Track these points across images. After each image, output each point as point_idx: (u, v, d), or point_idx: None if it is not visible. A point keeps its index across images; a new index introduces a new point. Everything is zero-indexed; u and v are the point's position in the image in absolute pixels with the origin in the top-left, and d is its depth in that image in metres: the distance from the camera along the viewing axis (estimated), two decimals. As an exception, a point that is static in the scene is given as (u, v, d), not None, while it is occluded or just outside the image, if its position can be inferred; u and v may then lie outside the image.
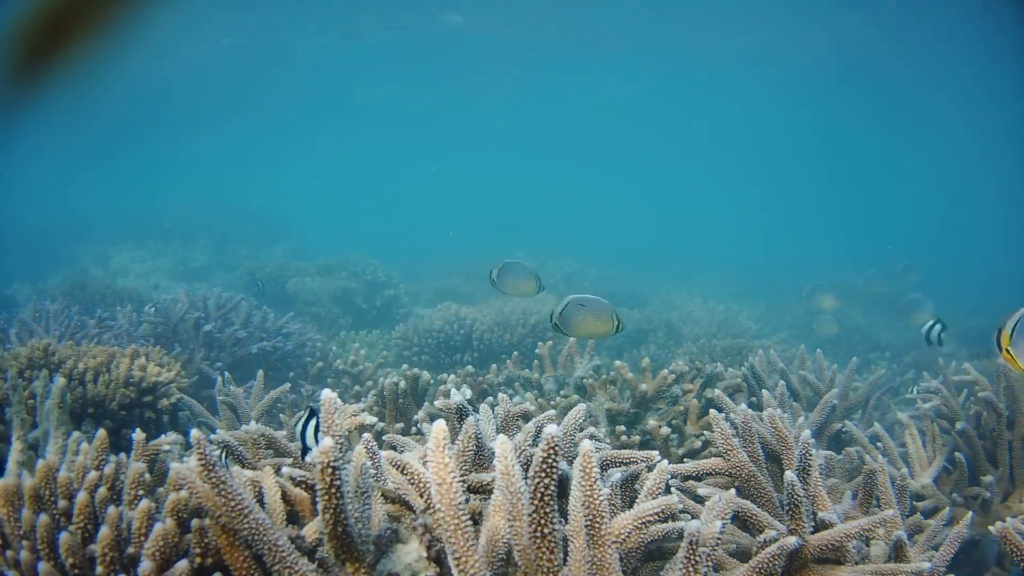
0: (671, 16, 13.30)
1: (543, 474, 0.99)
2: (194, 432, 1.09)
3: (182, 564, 1.16)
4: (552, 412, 1.66)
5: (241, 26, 13.58)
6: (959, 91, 16.46)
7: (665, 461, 1.41)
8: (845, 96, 18.98)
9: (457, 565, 1.04)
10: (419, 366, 4.48)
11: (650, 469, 1.50)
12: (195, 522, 1.18)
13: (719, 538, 1.08)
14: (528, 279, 3.34)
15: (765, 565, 1.26)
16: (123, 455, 1.48)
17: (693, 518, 1.60)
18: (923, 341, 3.66)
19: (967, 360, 3.14)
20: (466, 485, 1.34)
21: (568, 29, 14.35)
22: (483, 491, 1.34)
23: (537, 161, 39.43)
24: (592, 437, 1.89)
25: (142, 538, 1.19)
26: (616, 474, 1.45)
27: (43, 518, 1.18)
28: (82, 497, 1.22)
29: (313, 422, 1.50)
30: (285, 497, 1.36)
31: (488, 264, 3.37)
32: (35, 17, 0.59)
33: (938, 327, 3.59)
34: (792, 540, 1.29)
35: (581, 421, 1.60)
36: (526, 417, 1.91)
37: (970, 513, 1.69)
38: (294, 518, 1.42)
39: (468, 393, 2.72)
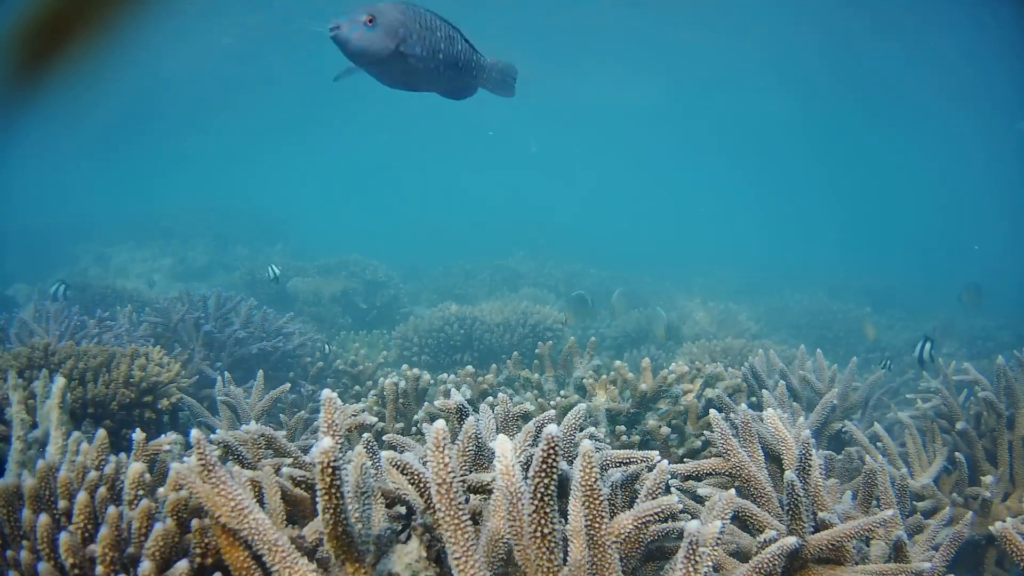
0: (673, 17, 13.33)
1: (543, 474, 0.99)
2: (194, 432, 1.09)
3: (182, 564, 1.16)
4: (552, 412, 1.66)
5: (242, 25, 13.58)
6: (959, 87, 16.47)
7: (665, 461, 1.41)
8: (843, 95, 18.99)
9: (457, 565, 1.04)
10: (419, 366, 4.48)
11: (650, 469, 1.50)
12: (195, 522, 1.18)
13: (719, 538, 1.08)
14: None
15: (765, 565, 1.26)
16: (123, 455, 1.47)
17: (693, 518, 1.60)
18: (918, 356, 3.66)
19: (967, 360, 3.14)
20: (466, 485, 1.34)
21: (566, 29, 14.35)
22: (483, 491, 1.34)
23: (537, 162, 39.45)
24: (592, 437, 1.89)
25: (142, 538, 1.19)
26: (616, 474, 1.44)
27: (43, 518, 1.18)
28: (82, 497, 1.22)
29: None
30: (285, 497, 1.36)
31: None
32: (35, 17, 0.59)
33: (928, 345, 3.61)
34: (792, 540, 1.29)
35: (581, 421, 1.60)
36: (526, 417, 1.91)
37: (970, 513, 1.69)
38: (294, 518, 1.42)
39: (468, 393, 2.72)
